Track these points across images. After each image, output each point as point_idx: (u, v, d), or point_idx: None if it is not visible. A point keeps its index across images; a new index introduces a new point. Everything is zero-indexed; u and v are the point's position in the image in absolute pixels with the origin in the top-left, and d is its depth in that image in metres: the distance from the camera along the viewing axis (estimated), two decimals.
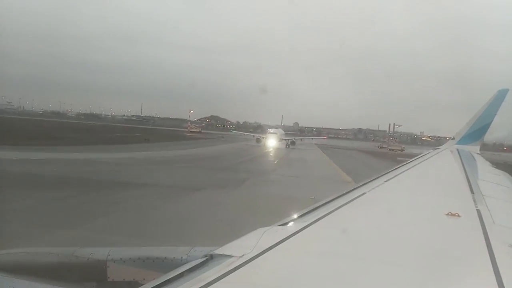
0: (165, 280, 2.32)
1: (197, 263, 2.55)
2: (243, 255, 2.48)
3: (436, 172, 8.53)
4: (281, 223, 3.26)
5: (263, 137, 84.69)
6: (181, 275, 2.40)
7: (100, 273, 3.61)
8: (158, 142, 67.85)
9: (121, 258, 3.63)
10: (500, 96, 14.94)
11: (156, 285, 2.26)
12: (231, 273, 2.24)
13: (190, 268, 2.48)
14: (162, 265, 3.44)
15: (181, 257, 3.47)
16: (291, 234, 2.91)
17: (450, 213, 3.78)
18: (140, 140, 66.53)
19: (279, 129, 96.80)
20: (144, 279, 3.39)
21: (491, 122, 14.93)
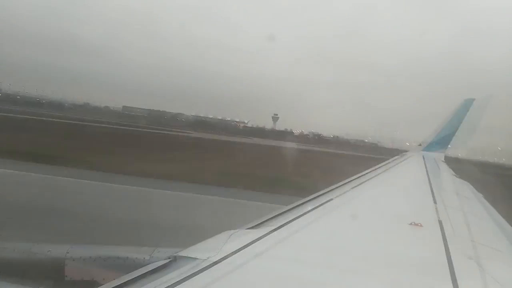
0: (126, 281, 2.26)
1: (160, 265, 2.49)
2: (208, 258, 2.45)
3: (402, 181, 8.71)
4: (247, 227, 3.24)
5: None
6: (143, 276, 2.34)
7: (58, 271, 3.47)
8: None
9: (80, 257, 3.50)
10: (466, 106, 15.43)
11: (116, 285, 2.19)
12: (194, 276, 2.21)
13: (153, 270, 2.42)
14: (124, 265, 3.35)
15: (144, 258, 3.39)
16: (257, 238, 2.90)
17: (413, 223, 3.86)
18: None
19: None
20: (103, 279, 3.29)
21: (456, 130, 15.41)
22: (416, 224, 3.85)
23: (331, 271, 2.58)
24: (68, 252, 3.53)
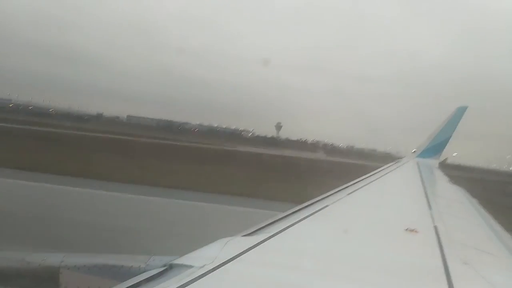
0: None
1: (155, 273, 2.48)
2: (204, 266, 2.43)
3: (397, 187, 8.74)
4: (243, 234, 3.23)
5: None
6: (138, 284, 2.33)
7: (53, 280, 3.44)
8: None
9: (75, 265, 3.47)
10: (459, 113, 15.61)
11: None
12: (190, 284, 2.19)
13: (148, 278, 2.41)
14: (119, 273, 3.32)
15: (140, 266, 3.36)
16: (252, 246, 2.88)
17: (409, 229, 3.87)
18: None
19: None
20: (99, 287, 3.27)
21: (450, 137, 15.56)
22: (411, 230, 3.86)
23: (327, 278, 2.58)
24: (63, 261, 3.50)
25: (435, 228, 4.17)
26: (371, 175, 8.77)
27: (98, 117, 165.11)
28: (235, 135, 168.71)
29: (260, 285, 2.38)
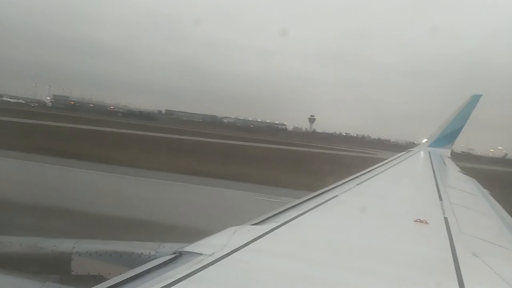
0: (132, 276, 2.27)
1: (165, 260, 2.51)
2: (213, 254, 2.46)
3: (407, 177, 8.69)
4: (252, 223, 3.25)
5: None
6: (148, 271, 2.36)
7: (64, 265, 3.49)
8: None
9: (86, 251, 3.52)
10: (473, 101, 15.33)
11: (122, 280, 2.20)
12: (200, 271, 2.22)
13: (158, 265, 2.44)
14: (129, 260, 3.36)
15: (149, 253, 3.39)
16: (261, 235, 2.91)
17: (418, 220, 3.85)
18: None
19: None
20: (109, 273, 3.30)
21: (463, 126, 15.33)
22: (421, 221, 3.84)
23: (336, 267, 2.58)
24: (74, 247, 3.56)
25: (445, 219, 4.15)
26: (381, 165, 8.72)
27: (159, 114, 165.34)
28: (274, 129, 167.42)
29: (268, 273, 2.39)
